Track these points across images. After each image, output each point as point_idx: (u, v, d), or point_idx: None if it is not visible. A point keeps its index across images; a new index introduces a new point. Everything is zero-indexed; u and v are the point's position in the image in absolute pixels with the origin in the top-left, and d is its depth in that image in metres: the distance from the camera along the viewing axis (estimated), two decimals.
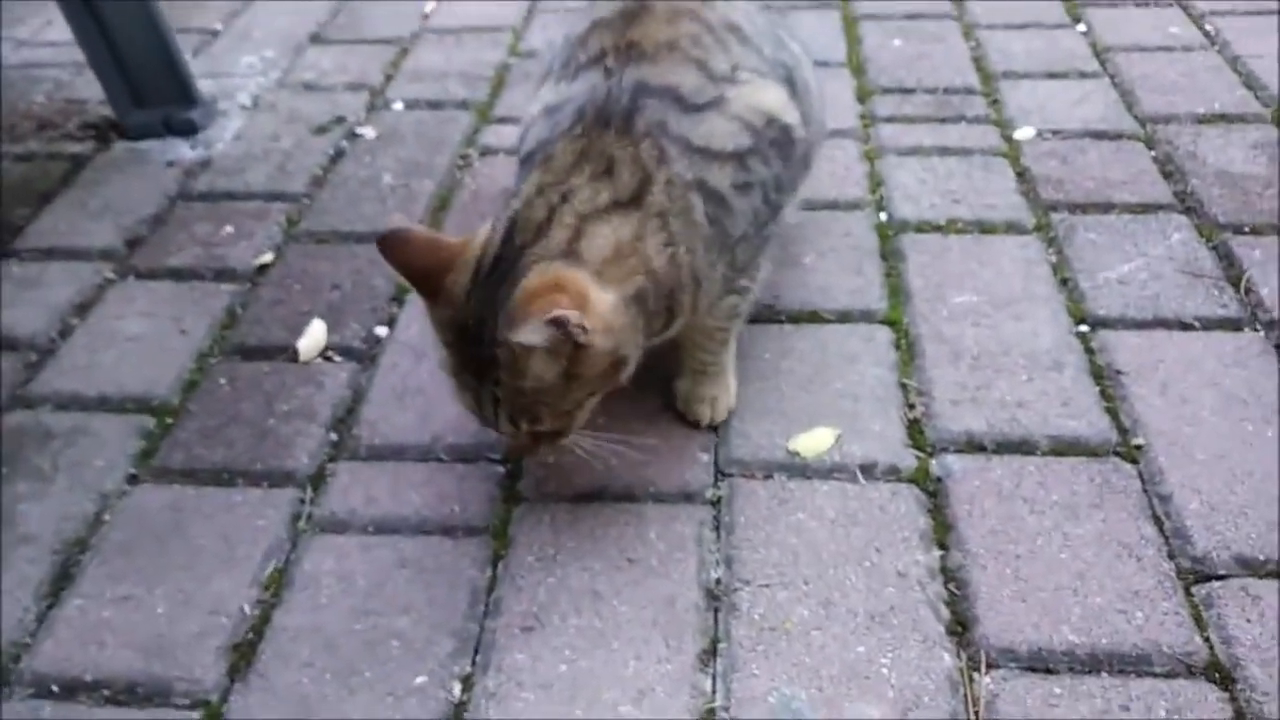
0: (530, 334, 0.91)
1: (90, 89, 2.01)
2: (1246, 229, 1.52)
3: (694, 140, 1.07)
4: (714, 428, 1.26)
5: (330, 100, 2.01)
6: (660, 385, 1.29)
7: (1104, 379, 1.29)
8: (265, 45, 2.25)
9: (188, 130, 1.92)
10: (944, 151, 1.74)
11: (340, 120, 1.94)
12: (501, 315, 0.94)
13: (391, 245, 1.00)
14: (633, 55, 1.10)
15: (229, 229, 1.66)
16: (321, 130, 1.92)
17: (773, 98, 1.15)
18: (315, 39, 2.27)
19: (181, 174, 1.82)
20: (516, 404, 0.99)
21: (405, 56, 2.17)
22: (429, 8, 2.37)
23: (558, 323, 0.91)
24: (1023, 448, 1.21)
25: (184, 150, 1.89)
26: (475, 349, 0.98)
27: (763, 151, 1.12)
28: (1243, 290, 1.41)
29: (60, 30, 2.11)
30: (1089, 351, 1.33)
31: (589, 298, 0.95)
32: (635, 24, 1.13)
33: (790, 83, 1.22)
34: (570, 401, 1.01)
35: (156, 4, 1.87)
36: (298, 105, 2.01)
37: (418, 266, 1.01)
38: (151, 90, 1.92)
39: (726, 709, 0.97)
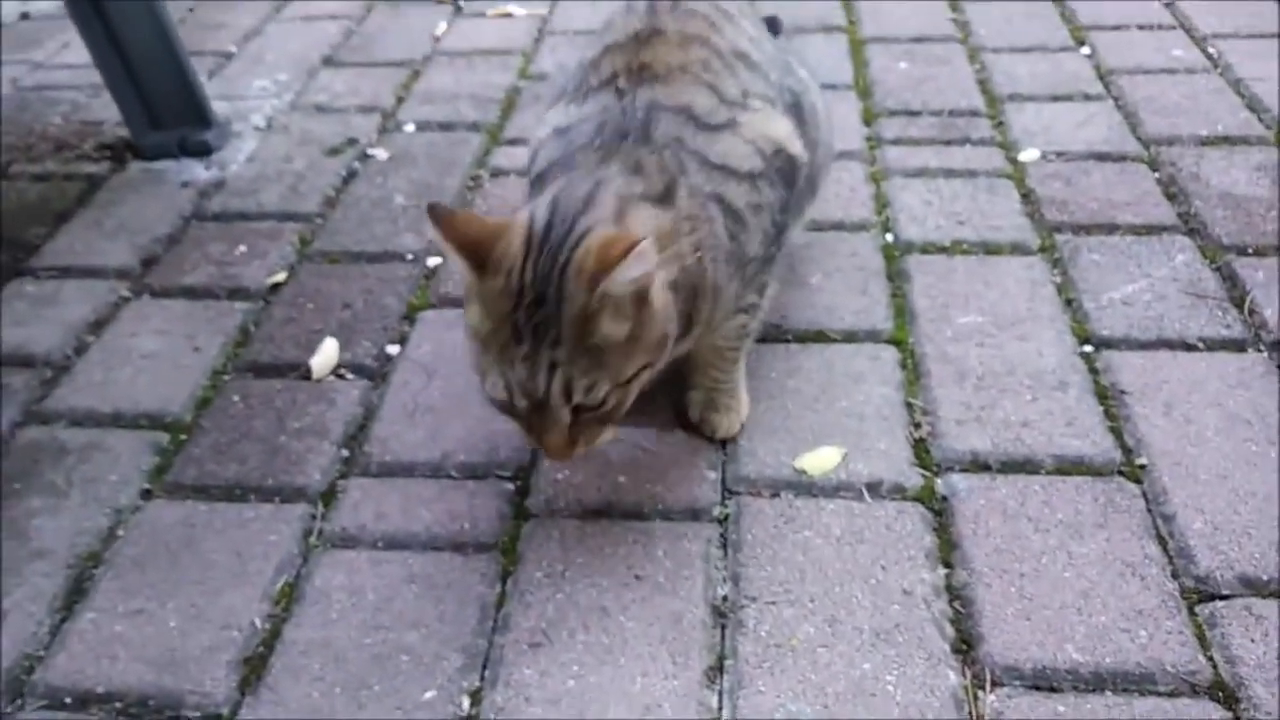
0: (632, 270, 0.92)
1: (107, 111, 2.05)
2: (1250, 250, 1.54)
3: (711, 157, 1.09)
4: (724, 443, 1.27)
5: (343, 122, 2.04)
6: (667, 403, 1.31)
7: (1108, 399, 1.30)
8: (279, 68, 2.28)
9: (202, 151, 1.95)
10: (949, 173, 1.75)
11: (352, 142, 1.97)
12: (569, 273, 0.95)
13: (441, 217, 0.99)
14: (645, 77, 1.12)
15: (242, 248, 1.68)
16: (334, 152, 1.94)
17: (781, 128, 1.17)
18: (328, 62, 2.30)
19: (196, 194, 1.84)
20: (579, 366, 0.96)
21: (417, 79, 2.20)
22: (440, 30, 2.41)
23: (643, 259, 0.92)
24: (1027, 467, 1.22)
25: (199, 171, 1.91)
26: (537, 312, 0.95)
27: (770, 176, 1.14)
28: (1246, 311, 1.42)
29: (78, 53, 2.15)
30: (1093, 372, 1.34)
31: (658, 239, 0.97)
32: (647, 48, 1.15)
33: (797, 107, 1.25)
34: (628, 370, 0.99)
35: (173, 28, 1.91)
36: (310, 127, 2.04)
37: (467, 238, 0.99)
38: (167, 112, 1.95)
39: None
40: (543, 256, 0.96)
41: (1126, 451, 1.23)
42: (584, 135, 1.10)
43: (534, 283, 0.96)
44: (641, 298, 0.96)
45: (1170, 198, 1.67)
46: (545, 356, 0.96)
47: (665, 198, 1.04)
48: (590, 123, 1.11)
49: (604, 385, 0.98)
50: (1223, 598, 1.07)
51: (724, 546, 1.15)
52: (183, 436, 1.34)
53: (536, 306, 0.95)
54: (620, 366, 0.98)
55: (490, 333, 0.98)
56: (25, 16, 2.70)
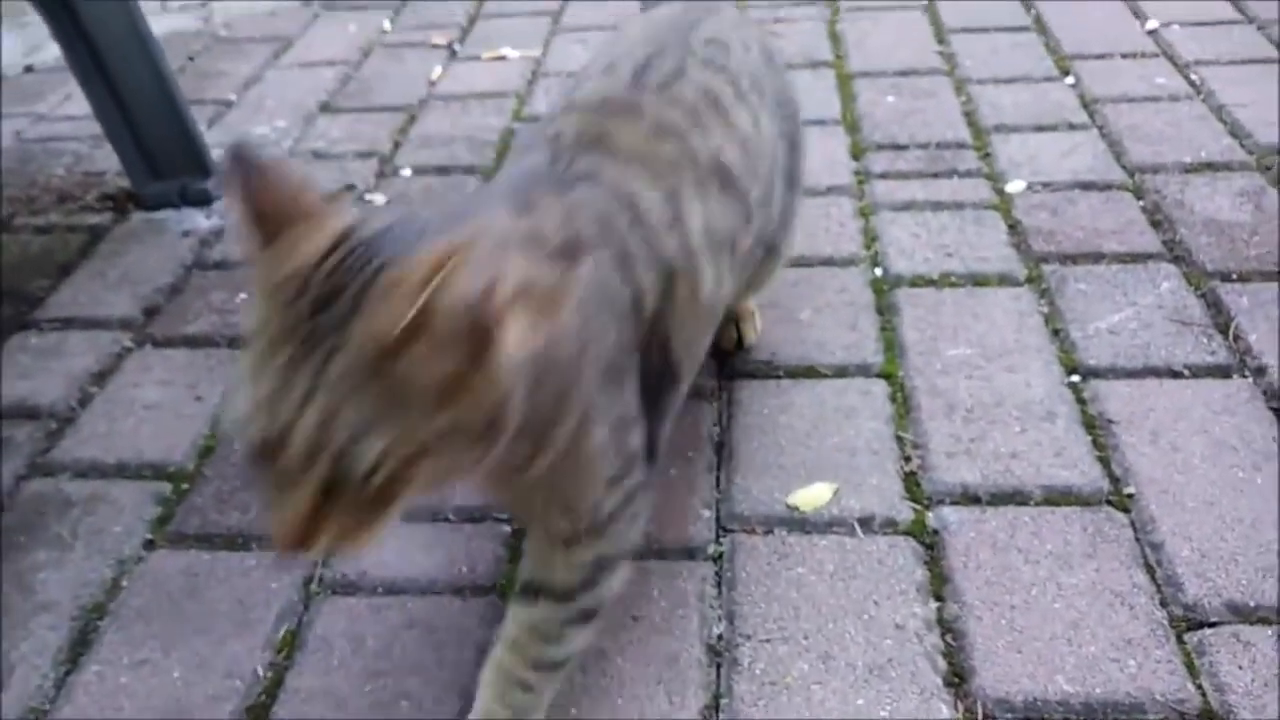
0: (471, 278, 0.64)
1: (108, 161, 2.08)
2: (1234, 276, 1.56)
3: (631, 249, 0.92)
4: (718, 479, 1.29)
5: (340, 168, 2.08)
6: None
7: (1096, 428, 1.32)
8: (277, 115, 2.32)
9: (203, 200, 1.98)
10: (937, 206, 1.78)
11: (350, 188, 2.00)
12: (383, 277, 0.66)
13: (247, 164, 0.72)
14: (597, 146, 0.96)
15: (243, 296, 1.71)
16: (332, 198, 1.97)
17: (708, 292, 1.03)
18: (325, 108, 2.34)
19: (197, 243, 1.88)
20: (354, 401, 0.66)
21: (413, 123, 2.24)
22: (436, 75, 2.45)
23: (491, 292, 0.65)
24: (1017, 498, 1.24)
25: (199, 220, 1.95)
26: (320, 313, 0.67)
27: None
28: (1231, 337, 1.44)
29: (80, 104, 2.19)
30: (1081, 401, 1.36)
31: (506, 312, 0.69)
32: (613, 119, 0.99)
33: (764, 228, 1.17)
34: (426, 430, 0.68)
35: (172, 79, 1.95)
36: (309, 173, 2.06)
37: (269, 197, 0.71)
38: (167, 162, 1.98)
39: None
40: (356, 252, 0.69)
41: (1114, 481, 1.25)
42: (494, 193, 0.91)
43: (330, 275, 0.68)
44: (484, 339, 0.67)
45: (1155, 225, 1.69)
46: (308, 373, 0.66)
47: (562, 255, 0.80)
48: (506, 182, 0.95)
49: (381, 440, 0.66)
50: (1211, 625, 1.08)
51: (719, 585, 1.17)
52: (185, 486, 1.36)
53: (322, 306, 0.67)
54: (417, 422, 0.67)
55: (257, 329, 0.70)
56: (29, 69, 2.75)
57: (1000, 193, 1.81)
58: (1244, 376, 1.38)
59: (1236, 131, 1.92)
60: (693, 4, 1.22)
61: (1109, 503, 1.22)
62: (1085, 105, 2.06)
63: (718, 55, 1.11)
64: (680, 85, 1.04)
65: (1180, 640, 1.07)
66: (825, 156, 1.93)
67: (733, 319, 1.44)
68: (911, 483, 1.27)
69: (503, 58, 2.50)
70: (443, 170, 2.04)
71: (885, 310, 1.55)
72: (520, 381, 0.72)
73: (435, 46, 2.60)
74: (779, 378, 1.44)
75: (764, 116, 1.14)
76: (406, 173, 2.04)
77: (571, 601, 0.96)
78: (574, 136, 0.97)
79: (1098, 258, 1.63)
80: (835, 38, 2.43)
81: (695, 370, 1.08)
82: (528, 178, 0.94)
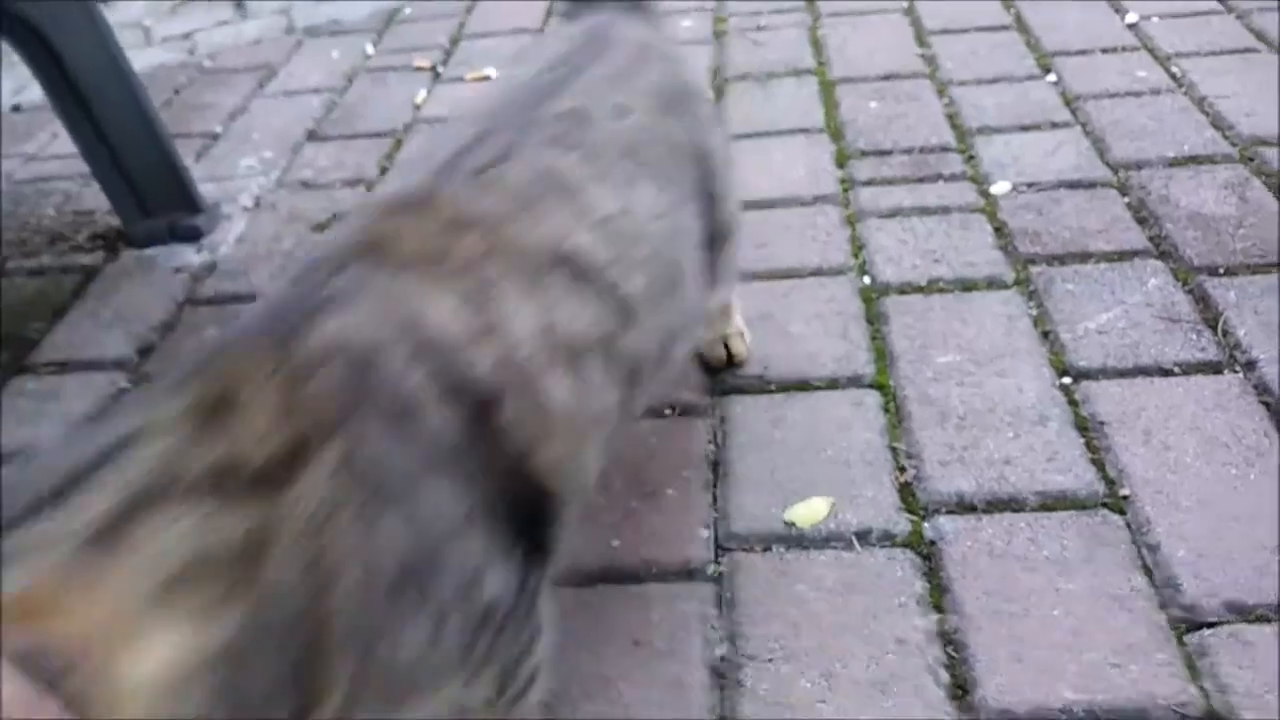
0: (47, 639, 0.47)
1: (98, 200, 2.09)
2: (1221, 270, 1.57)
3: (404, 396, 0.69)
4: (715, 498, 1.30)
5: (328, 197, 2.08)
6: (662, 458, 1.33)
7: (1088, 430, 1.33)
8: (264, 145, 2.33)
9: (193, 236, 1.99)
10: (923, 211, 1.79)
11: (339, 217, 2.00)
12: None
13: None
14: (373, 253, 0.74)
15: None
16: (321, 228, 1.98)
17: (563, 404, 0.81)
18: (312, 136, 2.35)
19: (189, 279, 1.88)
20: None
21: (399, 148, 2.24)
22: (420, 98, 2.45)
23: (46, 672, 0.46)
24: (1012, 505, 1.24)
25: (190, 256, 1.95)
26: None
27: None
28: (1220, 332, 1.45)
29: (67, 143, 2.19)
30: (1072, 404, 1.37)
31: (121, 639, 0.50)
32: (391, 219, 0.78)
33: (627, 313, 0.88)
34: None
35: (157, 118, 1.96)
36: (297, 204, 2.08)
37: None
38: (156, 200, 1.99)
39: None
40: None
41: (1109, 483, 1.26)
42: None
43: None
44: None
45: (1141, 222, 1.70)
46: None
47: (268, 479, 0.58)
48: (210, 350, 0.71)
49: None
50: (1210, 625, 1.09)
51: (719, 605, 1.17)
52: None
53: None
54: None
55: None
56: (17, 109, 2.76)
57: (985, 195, 1.82)
58: (1234, 371, 1.39)
59: (1219, 123, 1.93)
60: (580, 43, 1.05)
61: (1104, 505, 1.23)
62: (1067, 103, 2.07)
63: (571, 130, 0.91)
64: (504, 169, 0.84)
65: (1181, 642, 1.07)
66: (810, 165, 1.94)
67: (721, 337, 1.44)
68: (907, 493, 1.28)
69: (486, 78, 2.51)
70: None
71: (875, 319, 1.56)
72: (200, 699, 0.52)
73: (419, 69, 2.61)
74: (771, 392, 1.45)
75: (644, 190, 0.93)
76: None
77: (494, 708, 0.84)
78: (342, 248, 0.75)
79: (1084, 257, 1.64)
80: (817, 44, 2.44)
81: (590, 481, 0.91)
82: (241, 338, 0.70)
